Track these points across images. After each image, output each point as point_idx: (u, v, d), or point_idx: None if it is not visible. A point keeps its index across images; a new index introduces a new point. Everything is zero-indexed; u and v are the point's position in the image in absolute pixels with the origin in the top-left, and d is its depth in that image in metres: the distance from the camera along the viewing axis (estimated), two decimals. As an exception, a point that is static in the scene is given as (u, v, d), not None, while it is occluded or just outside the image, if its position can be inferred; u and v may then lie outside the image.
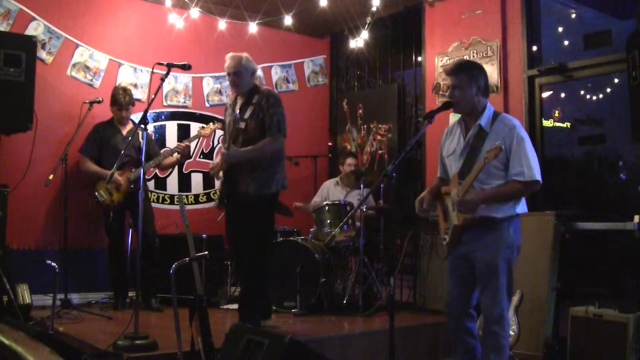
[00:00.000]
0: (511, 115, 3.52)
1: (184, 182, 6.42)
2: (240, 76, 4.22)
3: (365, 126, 7.08)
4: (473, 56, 5.78)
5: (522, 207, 3.36)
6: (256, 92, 4.26)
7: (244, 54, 4.30)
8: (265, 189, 4.16)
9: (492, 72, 5.54)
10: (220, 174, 4.25)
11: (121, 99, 5.41)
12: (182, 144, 5.33)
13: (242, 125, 4.16)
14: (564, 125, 5.69)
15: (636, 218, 4.23)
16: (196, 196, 6.50)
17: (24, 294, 4.59)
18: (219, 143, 6.27)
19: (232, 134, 4.20)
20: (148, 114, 3.87)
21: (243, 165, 4.14)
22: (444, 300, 3.54)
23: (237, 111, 4.28)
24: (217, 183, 4.38)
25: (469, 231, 3.32)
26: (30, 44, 4.96)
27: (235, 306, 4.99)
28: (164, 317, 4.92)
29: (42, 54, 5.55)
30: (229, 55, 4.31)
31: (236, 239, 4.32)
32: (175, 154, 5.45)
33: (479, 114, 3.36)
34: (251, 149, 4.11)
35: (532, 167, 3.20)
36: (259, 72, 6.93)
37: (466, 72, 3.37)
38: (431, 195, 3.53)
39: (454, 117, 5.61)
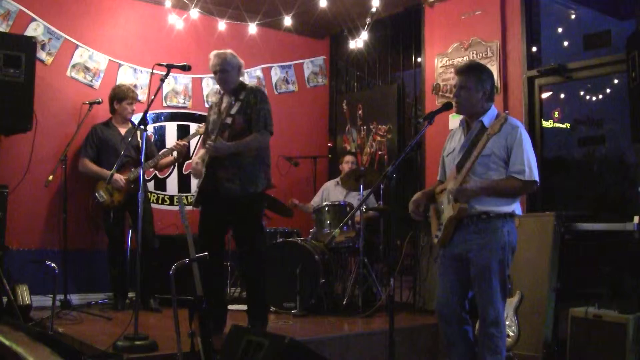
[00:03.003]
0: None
1: (184, 183, 6.41)
2: (227, 73, 4.19)
3: (365, 127, 7.08)
4: (473, 57, 5.78)
5: (518, 209, 3.33)
6: (243, 88, 4.24)
7: (228, 51, 4.26)
8: (251, 187, 4.09)
9: (492, 72, 5.54)
10: (203, 171, 4.13)
11: (131, 93, 5.45)
12: (180, 142, 5.33)
13: (229, 120, 4.11)
14: (564, 126, 5.69)
15: (636, 219, 4.22)
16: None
17: (24, 295, 4.57)
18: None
19: (221, 128, 4.13)
20: (148, 115, 3.86)
21: (227, 161, 4.07)
22: (435, 301, 3.51)
23: (224, 107, 4.23)
24: (194, 184, 4.19)
25: (462, 231, 3.29)
26: (30, 44, 4.96)
27: (234, 307, 4.99)
28: (164, 317, 4.92)
29: (41, 54, 5.55)
30: (213, 53, 4.26)
31: (212, 234, 4.18)
32: (174, 153, 5.44)
33: (481, 115, 3.35)
34: (237, 143, 4.06)
35: (532, 167, 3.21)
36: (259, 73, 6.96)
37: (475, 75, 3.36)
38: (425, 197, 3.48)
39: (453, 118, 5.62)
